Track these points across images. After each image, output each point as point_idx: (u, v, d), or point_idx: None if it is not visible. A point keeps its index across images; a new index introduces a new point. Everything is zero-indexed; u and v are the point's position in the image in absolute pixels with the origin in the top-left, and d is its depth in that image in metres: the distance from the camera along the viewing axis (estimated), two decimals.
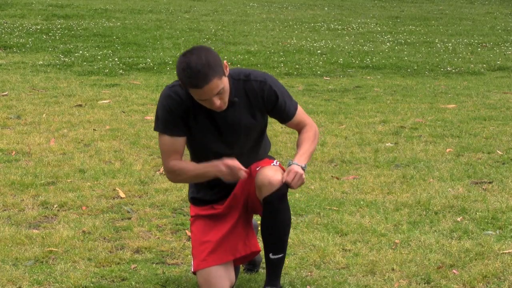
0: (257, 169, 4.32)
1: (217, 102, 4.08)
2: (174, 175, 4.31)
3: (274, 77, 4.33)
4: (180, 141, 4.26)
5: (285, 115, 4.33)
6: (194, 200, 4.44)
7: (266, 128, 4.42)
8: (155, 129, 4.28)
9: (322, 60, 14.98)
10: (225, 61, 4.15)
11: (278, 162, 4.42)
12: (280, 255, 4.35)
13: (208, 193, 4.40)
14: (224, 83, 4.08)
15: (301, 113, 4.38)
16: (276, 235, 4.32)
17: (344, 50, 16.18)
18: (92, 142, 8.01)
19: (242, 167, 4.18)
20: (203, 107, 4.22)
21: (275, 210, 4.26)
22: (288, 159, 7.33)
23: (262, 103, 4.26)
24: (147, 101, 10.44)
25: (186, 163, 4.30)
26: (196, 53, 4.03)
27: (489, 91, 11.79)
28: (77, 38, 17.04)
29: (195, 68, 3.98)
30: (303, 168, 4.25)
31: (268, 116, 4.38)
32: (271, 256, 4.35)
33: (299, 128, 4.41)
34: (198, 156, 4.35)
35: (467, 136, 8.44)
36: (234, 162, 4.17)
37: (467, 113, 9.87)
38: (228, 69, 4.16)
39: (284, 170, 4.34)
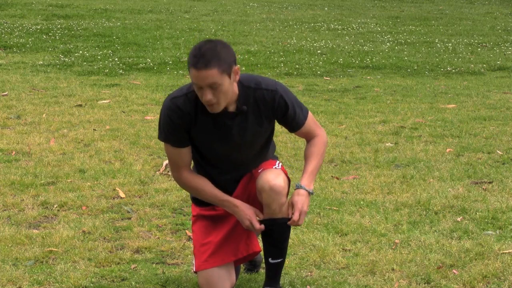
0: (259, 171, 4.29)
1: (208, 95, 3.97)
2: (184, 187, 4.32)
3: (284, 86, 4.25)
4: (184, 151, 4.22)
5: (295, 125, 4.27)
6: (196, 200, 4.43)
7: (272, 134, 4.36)
8: (159, 138, 4.26)
9: (322, 60, 14.99)
10: (237, 66, 4.06)
11: (280, 164, 4.37)
12: (279, 260, 4.36)
13: None
14: (224, 82, 3.97)
15: (311, 123, 4.31)
16: (276, 243, 4.33)
17: (344, 50, 16.19)
18: (92, 142, 8.01)
19: (260, 228, 4.21)
20: (206, 117, 4.18)
21: (276, 224, 4.26)
22: (288, 158, 7.34)
23: (271, 112, 4.20)
24: (147, 101, 10.45)
25: (202, 181, 4.26)
26: (214, 42, 4.02)
27: (489, 91, 11.80)
28: (77, 38, 17.05)
29: (203, 50, 3.95)
30: (310, 193, 4.23)
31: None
32: (270, 260, 4.37)
33: (308, 138, 4.34)
34: (200, 164, 4.32)
35: (467, 136, 8.44)
36: (252, 216, 4.20)
37: (467, 113, 9.87)
38: (238, 75, 4.08)
39: (285, 173, 4.31)
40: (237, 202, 4.24)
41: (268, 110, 4.19)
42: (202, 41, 4.05)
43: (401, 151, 7.79)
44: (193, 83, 4.02)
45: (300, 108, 4.26)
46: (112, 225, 5.60)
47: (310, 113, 4.32)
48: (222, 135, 4.20)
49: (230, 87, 4.03)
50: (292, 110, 4.21)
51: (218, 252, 4.32)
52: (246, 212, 4.22)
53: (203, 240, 4.35)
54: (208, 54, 3.94)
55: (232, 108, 4.16)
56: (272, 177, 4.19)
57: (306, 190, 4.21)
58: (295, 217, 4.18)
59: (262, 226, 4.23)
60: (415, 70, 14.28)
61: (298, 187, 4.22)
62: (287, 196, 4.28)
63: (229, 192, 4.31)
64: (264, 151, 4.37)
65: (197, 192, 4.28)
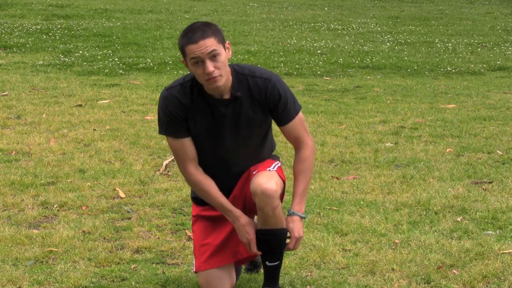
0: (254, 173, 4.27)
1: (210, 67, 4.00)
2: (191, 184, 4.31)
3: (280, 77, 4.26)
4: (186, 142, 4.20)
5: (285, 116, 4.23)
6: (196, 200, 4.43)
7: (270, 128, 4.35)
8: (160, 132, 4.26)
9: (322, 60, 14.99)
10: (228, 42, 4.13)
11: (277, 165, 4.35)
12: (276, 263, 4.37)
13: None
14: (222, 52, 4.03)
15: (301, 124, 4.28)
16: (272, 248, 4.32)
17: (344, 50, 16.19)
18: (92, 142, 8.01)
19: (255, 253, 4.26)
20: (202, 106, 4.19)
21: (273, 235, 4.26)
22: (288, 158, 7.34)
23: (264, 101, 4.18)
24: (147, 101, 10.45)
25: (209, 184, 4.24)
26: (201, 21, 4.13)
27: (489, 91, 11.80)
28: (77, 38, 17.05)
29: (195, 26, 4.05)
30: (303, 218, 4.28)
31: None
32: (267, 263, 4.37)
33: (297, 145, 4.32)
34: (199, 157, 4.31)
35: (467, 136, 8.44)
36: (252, 237, 4.22)
37: (467, 113, 9.87)
38: (230, 51, 4.13)
39: (282, 175, 4.30)
40: (239, 214, 4.23)
41: (261, 98, 4.18)
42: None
43: (401, 151, 7.79)
44: (191, 61, 4.03)
45: (293, 101, 4.24)
46: (112, 225, 5.60)
47: (301, 114, 4.30)
48: (217, 124, 4.19)
49: (226, 61, 4.08)
50: (284, 99, 4.19)
51: (218, 253, 4.32)
52: (247, 231, 4.23)
53: (203, 241, 4.35)
54: (201, 28, 4.05)
55: (226, 95, 4.17)
56: (264, 180, 4.16)
57: (299, 216, 4.25)
58: (291, 245, 4.27)
59: (259, 253, 4.28)
60: (415, 70, 14.28)
61: (291, 214, 4.25)
62: (282, 198, 4.28)
63: (226, 190, 4.29)
64: (261, 148, 4.34)
65: (202, 193, 4.26)
